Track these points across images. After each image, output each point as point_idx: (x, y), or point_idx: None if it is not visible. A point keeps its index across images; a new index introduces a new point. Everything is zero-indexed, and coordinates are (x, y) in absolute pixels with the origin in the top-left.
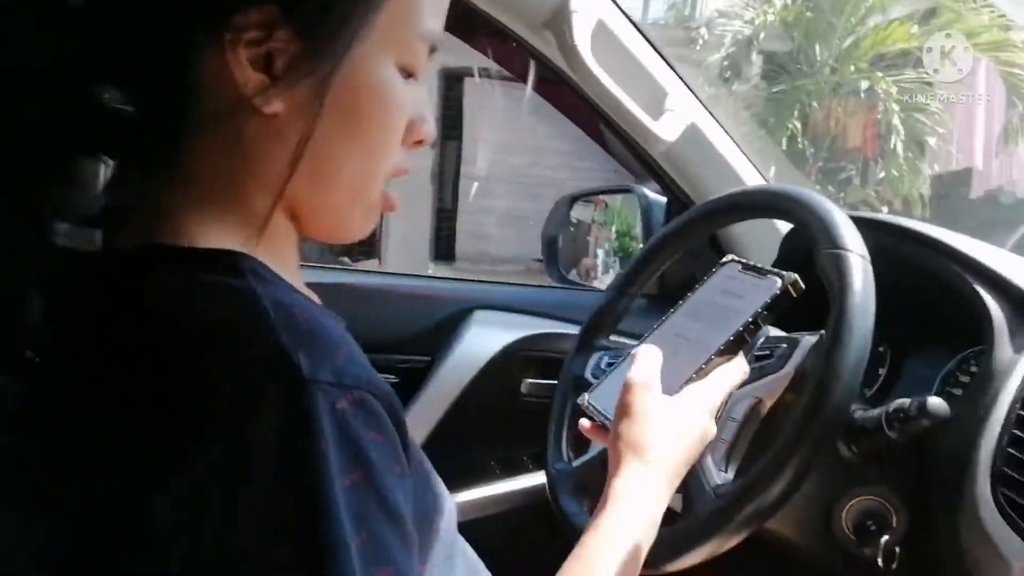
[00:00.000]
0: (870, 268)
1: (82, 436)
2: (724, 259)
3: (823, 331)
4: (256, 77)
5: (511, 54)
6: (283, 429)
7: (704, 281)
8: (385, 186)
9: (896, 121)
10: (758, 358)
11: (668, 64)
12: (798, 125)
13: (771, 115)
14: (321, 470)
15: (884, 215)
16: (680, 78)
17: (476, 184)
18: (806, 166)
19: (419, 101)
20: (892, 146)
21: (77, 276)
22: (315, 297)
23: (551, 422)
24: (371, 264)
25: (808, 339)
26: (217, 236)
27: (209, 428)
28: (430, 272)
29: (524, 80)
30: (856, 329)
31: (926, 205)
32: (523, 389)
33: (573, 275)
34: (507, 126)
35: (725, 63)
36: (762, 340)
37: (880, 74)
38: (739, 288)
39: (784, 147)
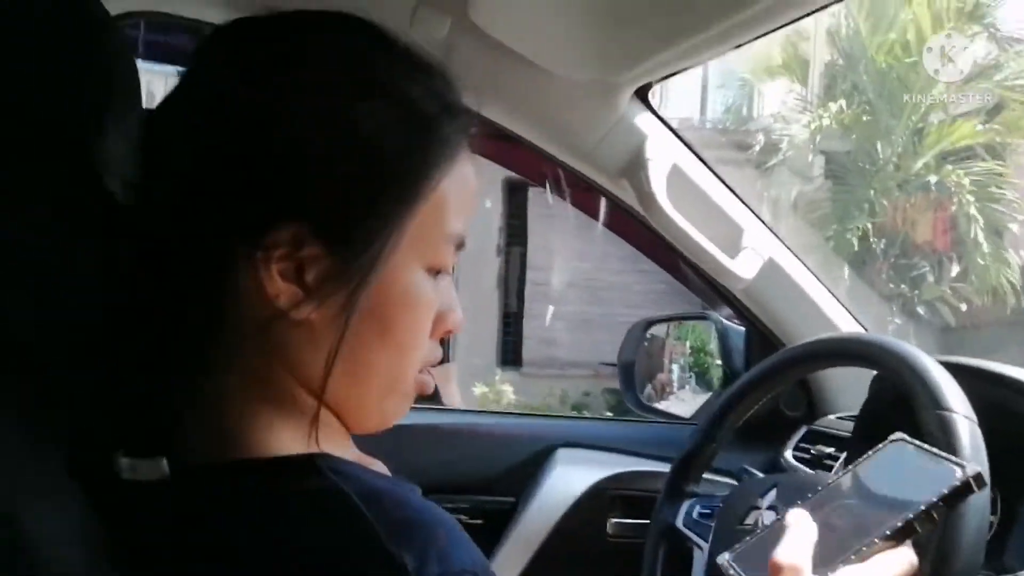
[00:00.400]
0: (979, 431)
1: None
2: (894, 436)
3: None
4: (288, 289)
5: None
6: None
7: (870, 456)
8: (420, 379)
9: (973, 211)
10: None
11: (743, 202)
12: (868, 225)
13: (839, 215)
14: None
15: (975, 361)
16: (755, 214)
17: (542, 289)
18: (877, 264)
19: (446, 294)
20: (973, 236)
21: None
22: (380, 465)
23: (644, 572)
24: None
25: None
26: (282, 441)
27: None
28: (497, 378)
29: (596, 217)
30: (974, 498)
31: (1020, 294)
32: (610, 530)
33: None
34: (571, 232)
35: (786, 166)
36: None
37: (950, 167)
38: (912, 471)
39: (856, 247)
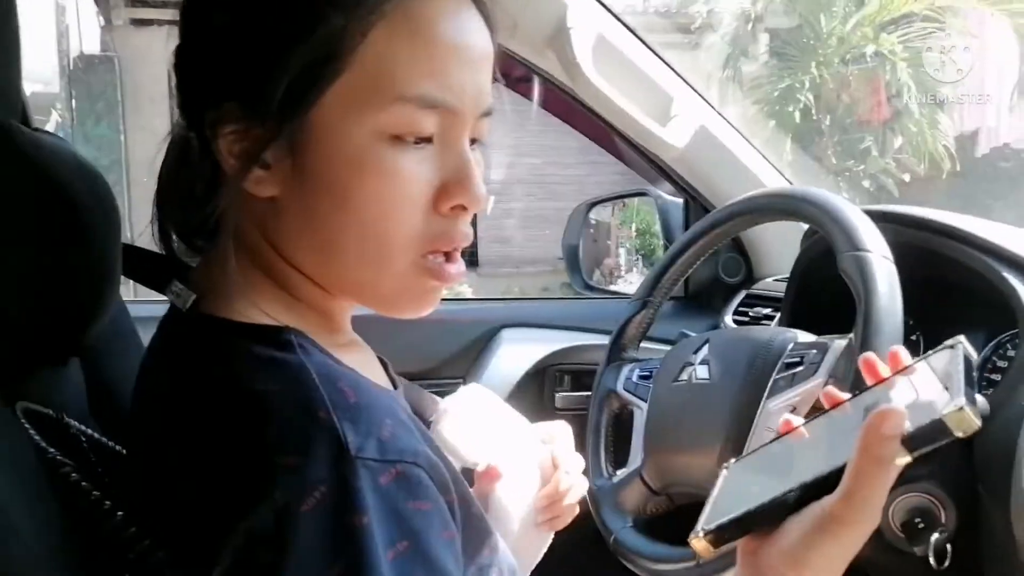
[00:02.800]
0: (894, 268)
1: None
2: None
3: (852, 335)
4: (236, 166)
5: (515, 71)
6: (329, 506)
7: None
8: (436, 261)
9: (906, 77)
10: (788, 365)
11: (672, 69)
12: (811, 98)
13: (782, 91)
14: (365, 543)
15: (900, 208)
16: (685, 81)
17: (493, 188)
18: (822, 140)
19: (451, 166)
20: (905, 104)
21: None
22: (371, 370)
23: (588, 437)
24: None
25: (838, 343)
26: (264, 311)
27: (256, 497)
28: None
29: (530, 96)
30: (886, 331)
31: (955, 159)
32: (557, 403)
33: (597, 277)
34: (519, 129)
35: (730, 44)
36: (791, 347)
37: (885, 36)
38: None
39: (799, 121)
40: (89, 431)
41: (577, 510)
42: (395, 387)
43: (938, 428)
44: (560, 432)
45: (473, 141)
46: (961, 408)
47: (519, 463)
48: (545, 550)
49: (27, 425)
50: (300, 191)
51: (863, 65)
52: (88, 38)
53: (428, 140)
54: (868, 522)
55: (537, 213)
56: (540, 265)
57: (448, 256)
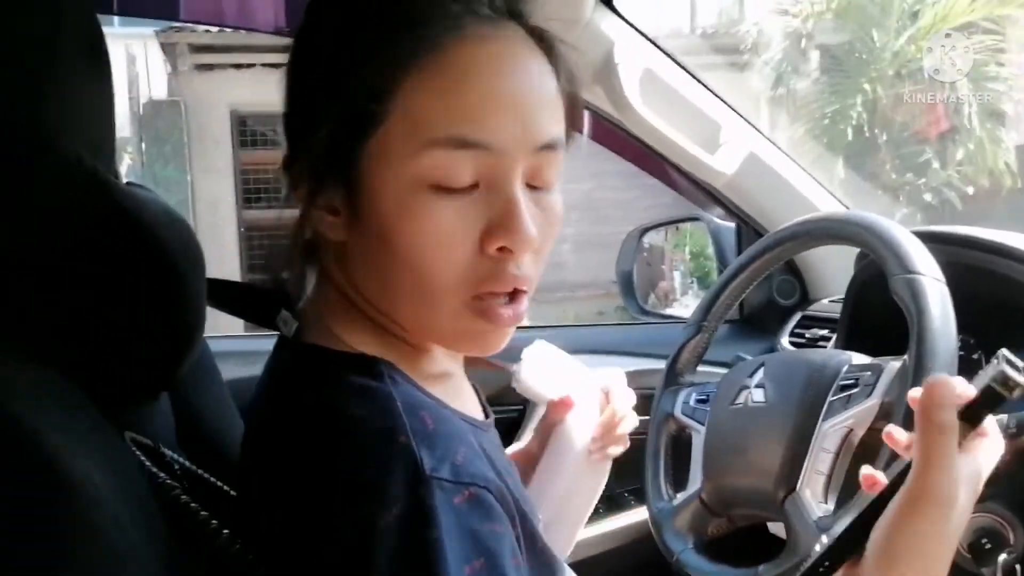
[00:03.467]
0: (945, 290)
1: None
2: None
3: (906, 356)
4: (318, 215)
5: None
6: (406, 521)
7: None
8: (493, 303)
9: (965, 91)
10: (843, 387)
11: (719, 97)
12: (864, 114)
13: (834, 108)
14: (442, 557)
15: (949, 228)
16: (733, 109)
17: None
18: (879, 155)
19: (497, 208)
20: (967, 117)
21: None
22: (461, 400)
23: (647, 461)
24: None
25: (892, 365)
26: (358, 343)
27: (341, 513)
28: None
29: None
30: (939, 353)
31: (1015, 176)
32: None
33: (652, 301)
34: (569, 155)
35: (780, 62)
36: (846, 369)
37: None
38: None
39: (852, 138)
40: (181, 459)
41: (628, 442)
42: (487, 415)
43: (987, 392)
44: (615, 375)
45: (535, 187)
46: (1003, 372)
47: (584, 397)
48: (604, 483)
49: (138, 452)
50: (359, 236)
51: (919, 79)
52: (156, 84)
53: (474, 186)
54: (946, 495)
55: (589, 238)
56: (594, 289)
57: (510, 297)
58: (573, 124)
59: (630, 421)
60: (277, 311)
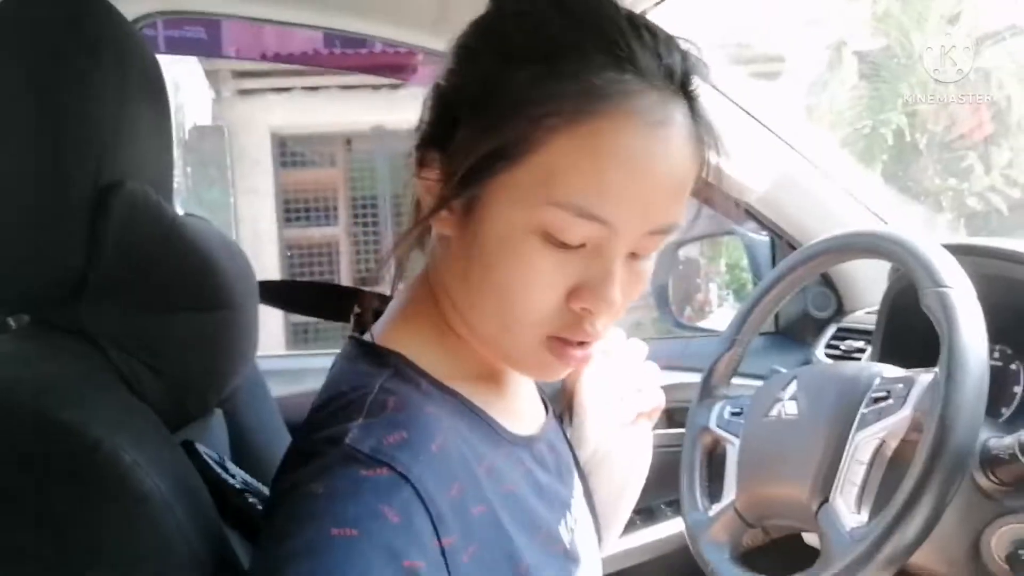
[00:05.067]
0: (976, 302)
1: None
2: None
3: (937, 369)
4: (430, 202)
5: None
6: (311, 476)
7: None
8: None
9: (1013, 91)
10: (875, 399)
11: (749, 113)
12: (904, 119)
13: (873, 114)
14: (311, 512)
15: (981, 240)
16: (763, 124)
17: None
18: (920, 161)
19: (594, 272)
20: (1019, 119)
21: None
22: (508, 414)
23: (682, 473)
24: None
25: (924, 377)
26: (405, 342)
27: (300, 465)
28: None
29: None
30: (970, 366)
31: None
32: (654, 441)
33: (688, 313)
34: None
35: (816, 70)
36: (878, 381)
37: (986, 50)
38: None
39: (892, 143)
40: (244, 474)
41: (662, 398)
42: (533, 439)
43: None
44: (613, 335)
45: (636, 255)
46: None
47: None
48: (647, 454)
49: (210, 461)
50: (465, 242)
51: (961, 83)
52: (200, 110)
53: (581, 246)
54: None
55: None
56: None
57: (579, 344)
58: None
59: (652, 372)
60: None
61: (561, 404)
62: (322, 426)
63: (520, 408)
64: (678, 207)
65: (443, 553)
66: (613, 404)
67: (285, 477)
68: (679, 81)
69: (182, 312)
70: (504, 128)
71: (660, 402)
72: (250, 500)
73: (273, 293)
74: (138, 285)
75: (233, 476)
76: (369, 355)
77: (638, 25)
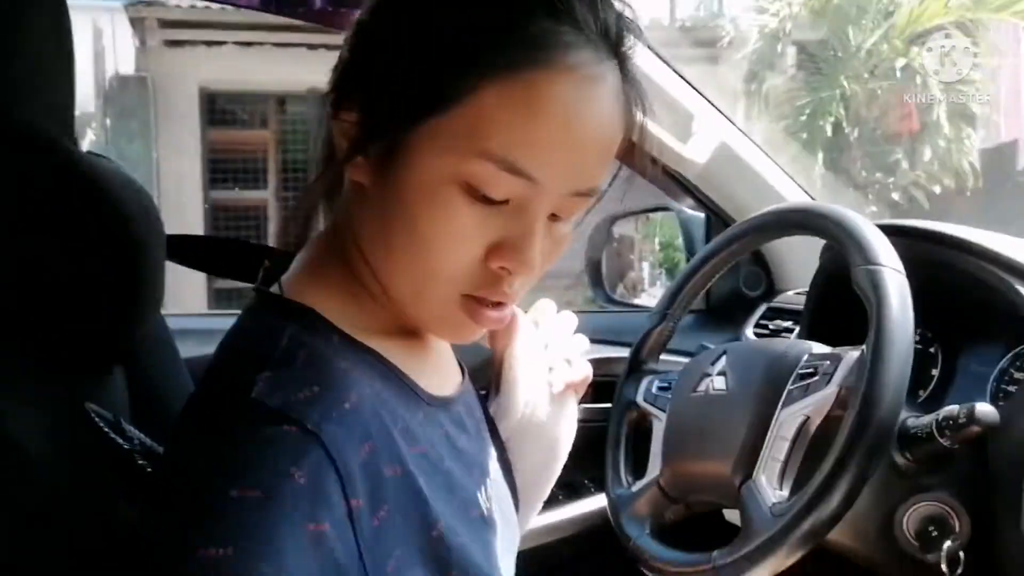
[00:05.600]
0: (905, 281)
1: None
2: None
3: (864, 346)
4: (345, 149)
5: None
6: (211, 431)
7: None
8: (487, 305)
9: (936, 92)
10: (802, 376)
11: (693, 87)
12: (841, 111)
13: (809, 104)
14: (207, 471)
15: (913, 221)
16: (706, 99)
17: None
18: (851, 153)
19: (514, 230)
20: (935, 119)
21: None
22: (424, 373)
23: (608, 448)
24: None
25: (851, 354)
26: (315, 296)
27: (178, 432)
28: None
29: None
30: (896, 343)
31: (978, 176)
32: (580, 415)
33: (620, 291)
34: None
35: (756, 58)
36: (806, 358)
37: (916, 49)
38: None
39: (829, 134)
40: (141, 435)
41: (589, 370)
42: (451, 400)
43: None
44: (541, 306)
45: (556, 217)
46: None
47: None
48: (576, 421)
49: (99, 422)
50: (381, 192)
51: (892, 79)
52: (123, 59)
53: (504, 202)
54: None
55: None
56: (565, 279)
57: (494, 304)
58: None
59: (579, 344)
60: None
61: (489, 373)
62: (224, 377)
63: (437, 368)
64: (603, 169)
65: (350, 515)
66: (542, 374)
67: (183, 432)
68: (614, 39)
69: (75, 256)
70: (433, 74)
71: (588, 374)
72: (140, 463)
73: (181, 249)
74: (26, 224)
75: (130, 439)
76: (276, 308)
77: None
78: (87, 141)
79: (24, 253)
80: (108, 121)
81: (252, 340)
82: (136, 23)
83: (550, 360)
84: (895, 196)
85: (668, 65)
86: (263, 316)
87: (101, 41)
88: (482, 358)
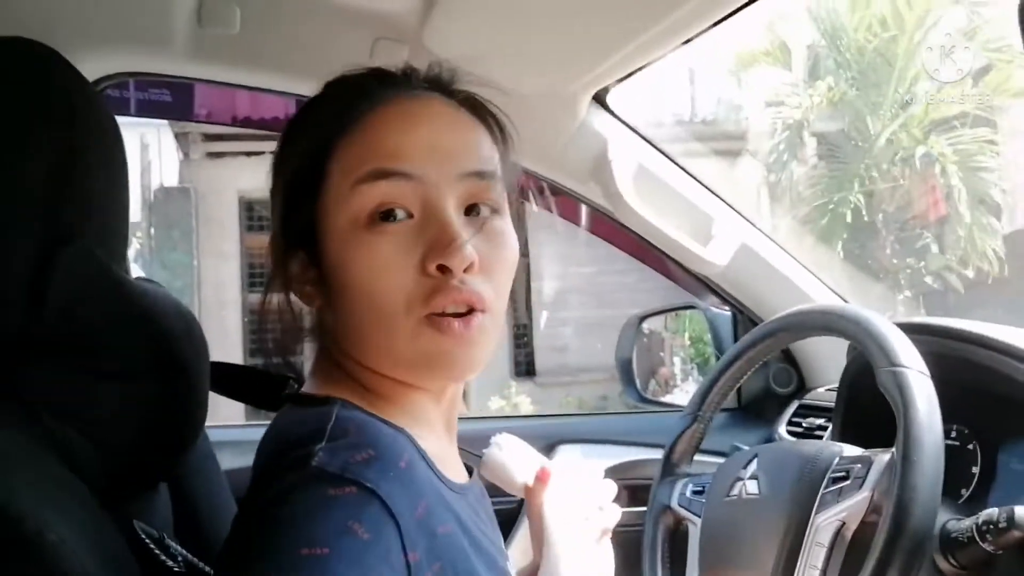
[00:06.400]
0: (930, 383)
1: None
2: None
3: (894, 449)
4: (299, 287)
5: (562, 200)
6: (278, 501)
7: None
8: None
9: (956, 181)
10: (835, 480)
11: (711, 191)
12: (861, 199)
13: (832, 193)
14: (277, 533)
15: (934, 320)
16: (725, 201)
17: (548, 298)
18: (879, 239)
19: (432, 231)
20: (956, 206)
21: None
22: (441, 460)
23: (644, 553)
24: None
25: (882, 457)
26: (334, 391)
27: (266, 495)
28: (512, 390)
29: (577, 222)
30: (926, 446)
31: (1003, 263)
32: None
33: (653, 387)
34: (571, 239)
35: (779, 149)
36: (837, 460)
37: (936, 137)
38: None
39: (851, 221)
40: (185, 552)
41: (619, 512)
42: (467, 488)
43: None
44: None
45: (474, 208)
46: None
47: (557, 476)
48: (612, 564)
49: (147, 540)
50: (326, 290)
51: (912, 167)
52: (168, 171)
53: (410, 217)
54: None
55: (592, 321)
56: (598, 372)
57: (459, 316)
58: (513, 182)
59: (610, 490)
60: (282, 391)
61: (531, 532)
62: (283, 458)
63: (451, 459)
64: (476, 155)
65: (408, 568)
66: (579, 524)
67: (250, 503)
68: (438, 81)
69: (125, 380)
70: (300, 156)
71: (618, 518)
72: None
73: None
74: (79, 349)
75: (174, 556)
76: (311, 404)
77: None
78: (132, 250)
79: (78, 376)
80: (152, 230)
81: (302, 424)
82: (180, 137)
83: (584, 508)
84: (928, 280)
85: (684, 171)
86: (300, 411)
87: (148, 155)
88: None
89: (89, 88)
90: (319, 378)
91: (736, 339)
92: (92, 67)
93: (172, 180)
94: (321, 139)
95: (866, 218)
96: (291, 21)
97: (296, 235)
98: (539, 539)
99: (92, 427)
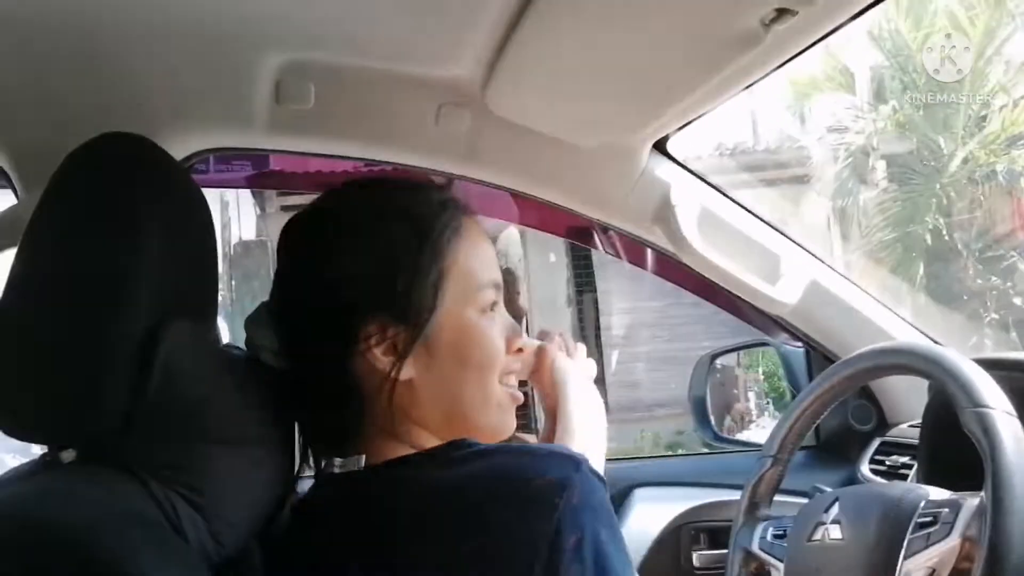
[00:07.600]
0: (1017, 423)
1: None
2: None
3: (983, 493)
4: (386, 360)
5: (625, 242)
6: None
7: None
8: (511, 386)
9: None
10: (921, 525)
11: (777, 229)
12: (941, 220)
13: (908, 215)
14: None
15: (1011, 354)
16: (791, 239)
17: (618, 333)
18: (960, 260)
19: (507, 322)
20: None
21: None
22: None
23: None
24: (530, 438)
25: (970, 502)
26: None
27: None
28: None
29: (644, 265)
30: (1017, 489)
31: None
32: (695, 562)
33: (728, 423)
34: (639, 274)
35: (846, 175)
36: (923, 504)
37: (1016, 152)
38: None
39: (929, 242)
40: None
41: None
42: None
43: None
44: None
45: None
46: None
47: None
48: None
49: None
50: (430, 366)
51: (995, 184)
52: (246, 226)
53: (492, 308)
54: None
55: (664, 355)
56: (672, 407)
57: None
58: None
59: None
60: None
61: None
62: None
63: None
64: None
65: None
66: (582, 380)
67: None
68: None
69: (223, 446)
70: (429, 271)
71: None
72: None
73: None
74: (181, 420)
75: None
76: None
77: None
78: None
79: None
80: (233, 282)
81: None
82: (256, 194)
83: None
84: (1017, 301)
85: (748, 210)
86: (445, 458)
87: (228, 212)
88: None
89: (180, 168)
90: (387, 442)
91: (810, 376)
92: (179, 147)
93: (250, 234)
94: (440, 253)
95: (946, 237)
96: (360, 92)
97: (409, 312)
98: (551, 405)
99: (192, 492)
